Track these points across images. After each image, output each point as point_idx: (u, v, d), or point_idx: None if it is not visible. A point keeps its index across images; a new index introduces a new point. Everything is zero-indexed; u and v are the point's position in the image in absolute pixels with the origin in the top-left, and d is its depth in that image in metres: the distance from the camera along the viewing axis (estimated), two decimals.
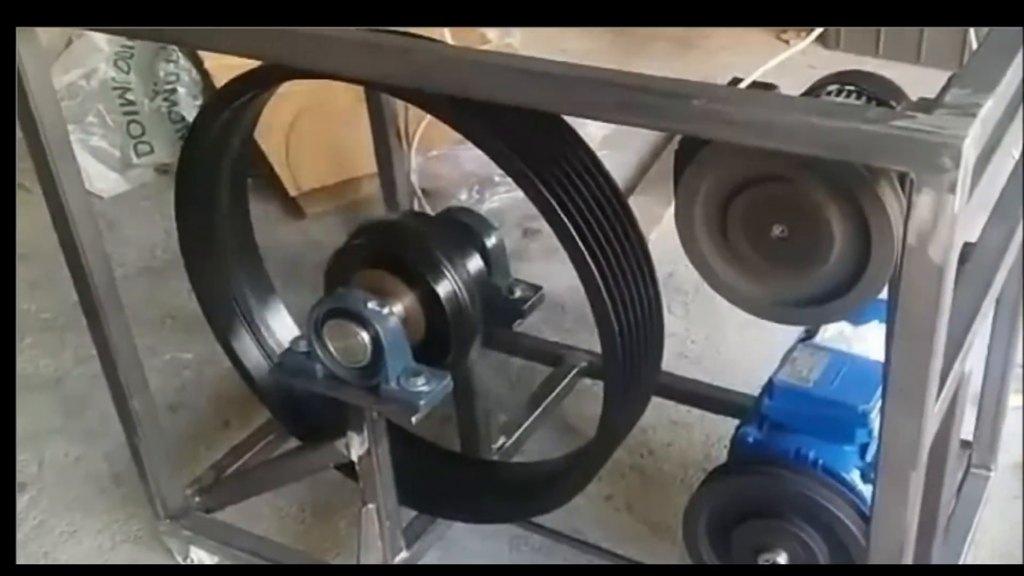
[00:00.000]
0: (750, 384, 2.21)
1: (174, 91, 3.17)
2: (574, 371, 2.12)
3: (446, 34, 2.62)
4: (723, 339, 2.36)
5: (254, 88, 1.59)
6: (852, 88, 1.41)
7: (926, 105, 1.10)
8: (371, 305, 1.51)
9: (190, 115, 3.16)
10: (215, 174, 1.74)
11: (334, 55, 1.29)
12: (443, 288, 1.59)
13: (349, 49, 1.27)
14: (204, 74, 3.17)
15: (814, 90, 1.42)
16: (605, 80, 1.11)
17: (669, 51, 3.47)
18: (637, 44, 3.36)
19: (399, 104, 2.18)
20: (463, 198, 2.83)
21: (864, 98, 1.38)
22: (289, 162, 2.99)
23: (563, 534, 1.90)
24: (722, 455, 2.11)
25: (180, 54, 3.16)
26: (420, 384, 1.52)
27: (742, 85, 1.37)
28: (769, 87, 1.39)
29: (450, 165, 2.89)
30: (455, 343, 1.61)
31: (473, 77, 1.18)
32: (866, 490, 1.50)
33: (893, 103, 1.39)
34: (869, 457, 1.53)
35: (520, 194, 2.88)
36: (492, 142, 1.37)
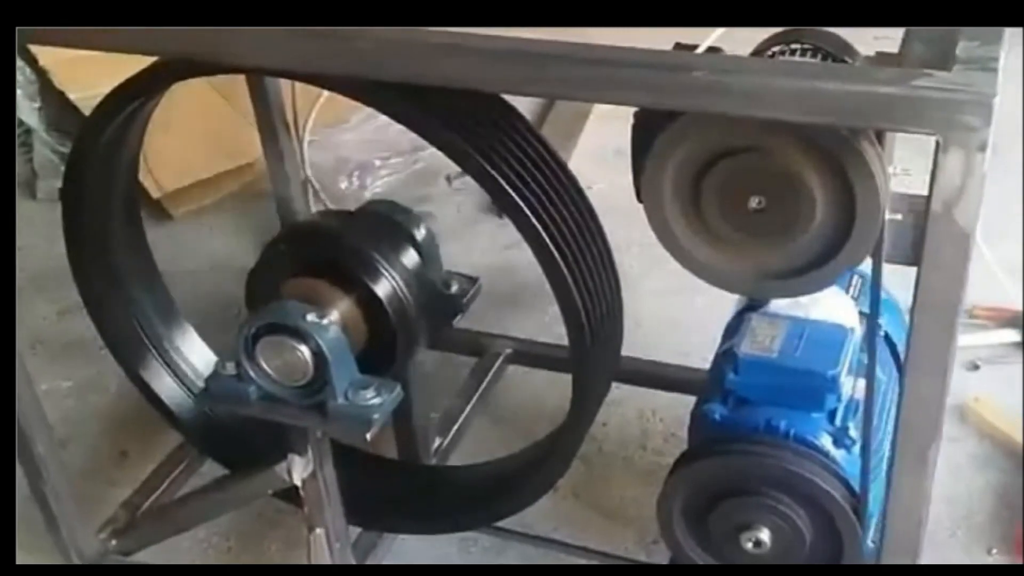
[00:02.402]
0: (675, 354, 2.19)
1: None
2: (500, 359, 2.03)
3: None
4: (640, 310, 2.30)
5: (150, 91, 1.43)
6: (799, 46, 1.36)
7: (897, 59, 1.06)
8: (310, 317, 1.39)
9: (28, 118, 2.92)
10: (106, 193, 1.57)
11: (260, 48, 1.16)
12: (382, 289, 1.48)
13: (279, 41, 1.14)
14: (40, 72, 2.92)
15: (760, 53, 1.36)
16: (590, 57, 1.02)
17: None
18: None
19: (286, 89, 2.03)
20: (343, 186, 2.70)
21: (820, 55, 1.33)
22: (147, 162, 2.78)
23: (513, 531, 1.82)
24: (658, 428, 2.09)
25: None
26: (370, 397, 1.40)
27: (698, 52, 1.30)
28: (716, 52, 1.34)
29: (325, 151, 2.74)
30: (401, 347, 1.50)
31: (432, 62, 1.07)
32: (839, 454, 1.48)
33: (847, 59, 1.35)
34: (838, 422, 1.50)
35: (402, 176, 2.81)
36: (446, 137, 1.26)
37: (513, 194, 1.30)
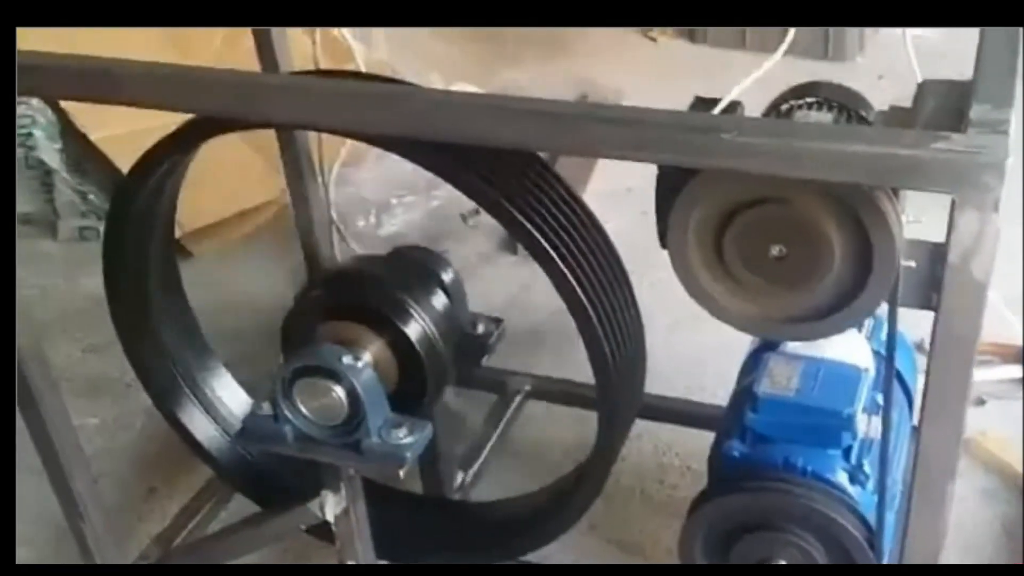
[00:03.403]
0: (688, 389, 2.24)
1: (30, 135, 2.94)
2: (520, 396, 2.08)
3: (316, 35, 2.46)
4: (653, 345, 2.35)
5: (191, 145, 1.49)
6: (814, 100, 1.42)
7: (911, 115, 1.12)
8: (346, 359, 1.44)
9: (49, 159, 2.96)
10: (145, 243, 1.64)
11: (304, 107, 1.22)
12: (413, 331, 1.54)
13: (324, 100, 1.20)
14: (61, 113, 2.97)
15: (777, 109, 1.42)
16: (623, 118, 1.08)
17: (540, 56, 3.46)
18: (508, 49, 3.35)
19: (311, 132, 2.09)
20: (361, 224, 2.75)
21: (835, 109, 1.39)
22: None
23: (531, 564, 1.86)
24: (675, 462, 2.14)
25: None
26: (403, 436, 1.46)
27: (717, 109, 1.36)
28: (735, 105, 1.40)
29: (342, 190, 2.79)
30: (431, 386, 1.56)
31: (477, 123, 1.13)
32: (854, 491, 1.53)
33: (862, 111, 1.41)
34: (853, 459, 1.55)
35: (418, 214, 2.86)
36: (481, 189, 1.32)
37: (542, 240, 1.36)
